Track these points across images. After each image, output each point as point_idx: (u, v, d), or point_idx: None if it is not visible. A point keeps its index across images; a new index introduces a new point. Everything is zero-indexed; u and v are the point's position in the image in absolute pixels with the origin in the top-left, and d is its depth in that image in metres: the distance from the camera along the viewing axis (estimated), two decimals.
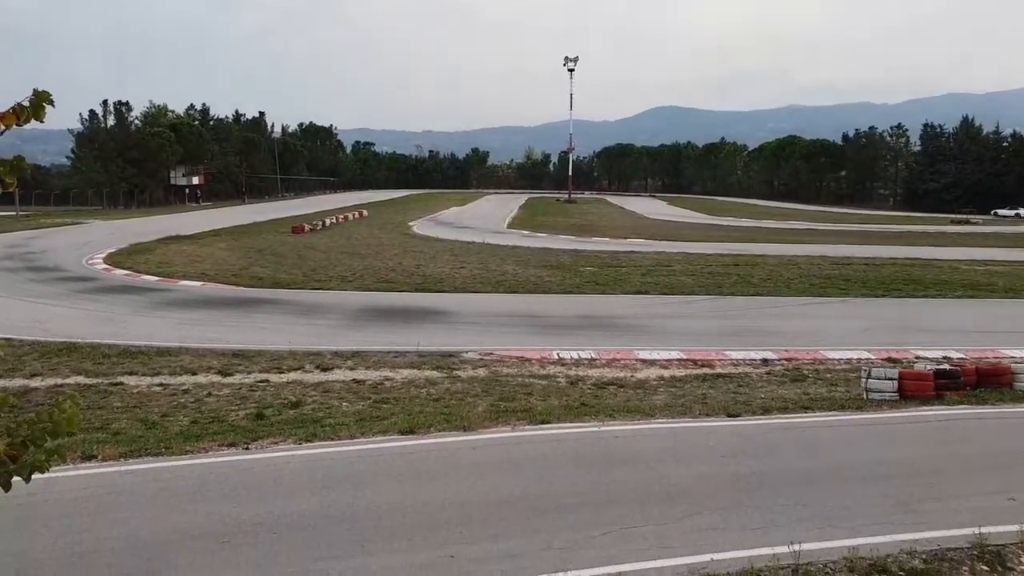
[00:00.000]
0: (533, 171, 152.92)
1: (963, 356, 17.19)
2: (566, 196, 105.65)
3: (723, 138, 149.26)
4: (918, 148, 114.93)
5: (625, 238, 48.03)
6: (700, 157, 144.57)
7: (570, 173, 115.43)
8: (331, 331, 19.36)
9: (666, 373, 15.82)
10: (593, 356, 16.97)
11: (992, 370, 14.63)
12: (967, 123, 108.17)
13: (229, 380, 14.65)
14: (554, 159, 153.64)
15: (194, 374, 15.04)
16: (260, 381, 14.59)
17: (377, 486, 9.43)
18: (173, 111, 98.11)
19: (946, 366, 14.84)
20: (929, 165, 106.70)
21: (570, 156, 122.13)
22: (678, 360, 16.82)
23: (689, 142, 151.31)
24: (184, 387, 14.18)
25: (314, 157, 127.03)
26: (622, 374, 15.66)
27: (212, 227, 49.41)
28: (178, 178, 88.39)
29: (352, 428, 11.53)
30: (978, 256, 39.67)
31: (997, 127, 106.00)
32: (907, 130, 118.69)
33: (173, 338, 17.88)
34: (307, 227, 48.62)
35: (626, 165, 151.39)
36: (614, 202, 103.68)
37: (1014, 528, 8.16)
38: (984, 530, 8.04)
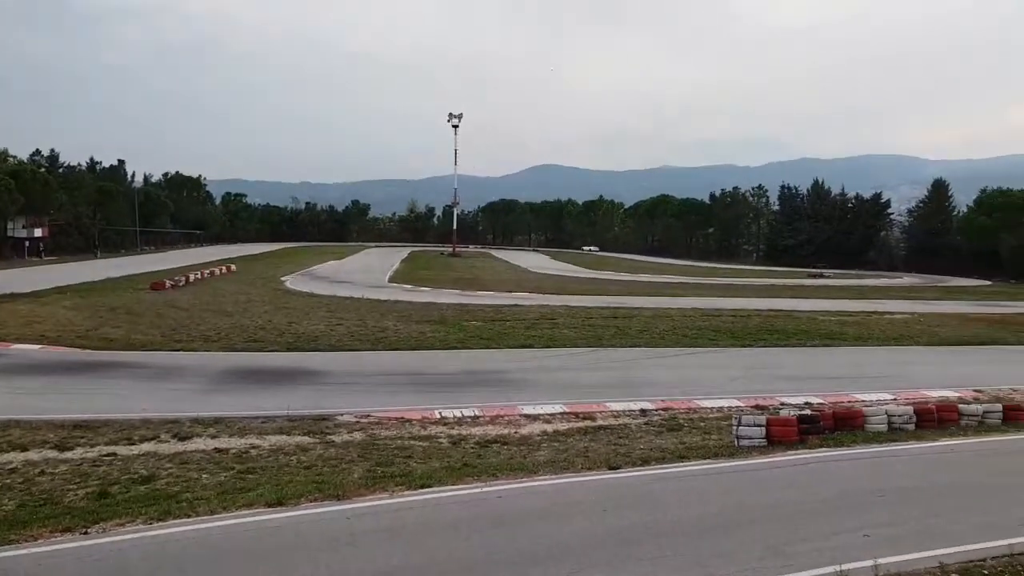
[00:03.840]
0: (417, 225, 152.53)
1: (822, 401, 18.25)
2: (451, 250, 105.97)
3: (601, 196, 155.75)
4: (777, 208, 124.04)
5: (510, 292, 48.29)
6: (580, 213, 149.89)
7: (455, 227, 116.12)
8: (192, 396, 17.99)
9: (549, 428, 15.76)
10: (477, 413, 16.67)
11: (847, 413, 15.73)
12: (817, 185, 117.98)
13: (68, 455, 13.13)
14: (439, 213, 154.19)
15: (24, 450, 13.35)
16: (106, 455, 13.18)
17: (240, 566, 8.69)
18: (15, 157, 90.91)
19: (808, 412, 15.96)
20: (787, 223, 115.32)
21: (455, 210, 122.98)
22: (561, 414, 16.82)
23: (570, 199, 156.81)
24: (11, 466, 12.54)
25: (179, 208, 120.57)
26: (506, 431, 15.45)
27: (56, 283, 44.73)
28: (17, 230, 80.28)
29: (213, 502, 10.64)
30: (831, 307, 42.66)
31: (843, 190, 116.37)
32: (767, 191, 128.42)
33: None
34: (168, 283, 45.34)
35: (510, 220, 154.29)
36: (499, 256, 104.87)
37: (869, 563, 8.62)
38: (845, 567, 8.47)
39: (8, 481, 11.90)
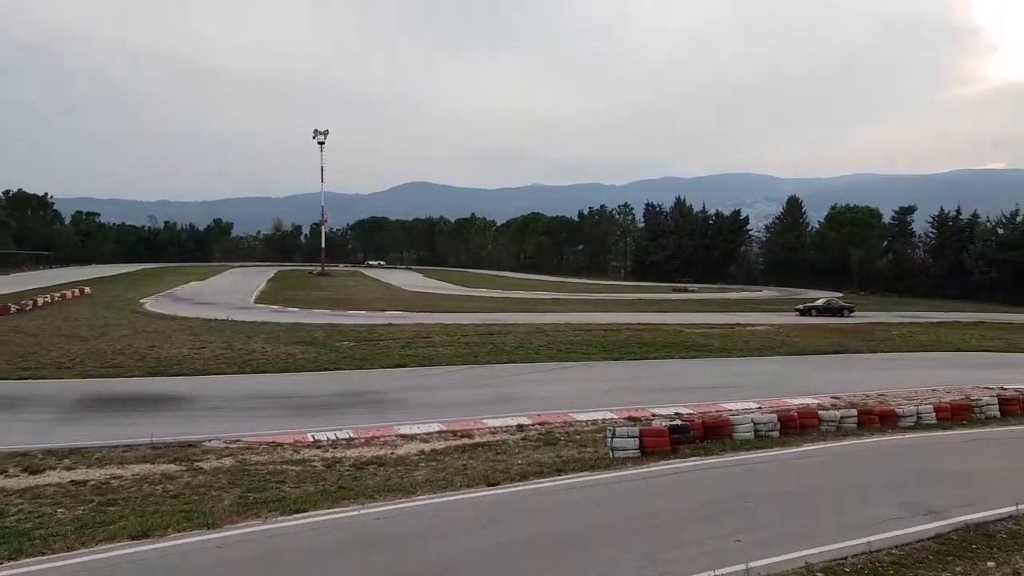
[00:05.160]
0: (283, 243, 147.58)
1: (692, 412, 19.10)
2: (319, 269, 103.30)
3: (473, 214, 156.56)
4: (642, 225, 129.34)
5: (383, 311, 47.59)
6: (453, 231, 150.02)
7: (323, 245, 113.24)
8: (43, 426, 16.63)
9: (427, 447, 15.70)
10: (351, 435, 16.36)
11: (715, 423, 16.50)
12: (680, 203, 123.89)
13: None
14: (305, 231, 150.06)
15: None
16: None
17: None
18: None
19: (678, 422, 16.54)
20: (652, 240, 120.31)
21: (323, 228, 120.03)
22: (438, 432, 16.81)
23: (442, 217, 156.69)
24: None
25: (23, 228, 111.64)
26: (382, 452, 15.25)
27: None
28: None
29: (70, 538, 9.96)
30: (697, 320, 44.91)
31: (703, 207, 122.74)
32: (633, 209, 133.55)
33: None
34: (13, 307, 41.73)
35: (381, 238, 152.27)
36: (370, 275, 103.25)
37: (741, 567, 9.14)
38: (719, 572, 8.94)
39: None
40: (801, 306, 54.45)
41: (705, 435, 15.79)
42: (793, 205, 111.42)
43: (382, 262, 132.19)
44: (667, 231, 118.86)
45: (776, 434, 16.41)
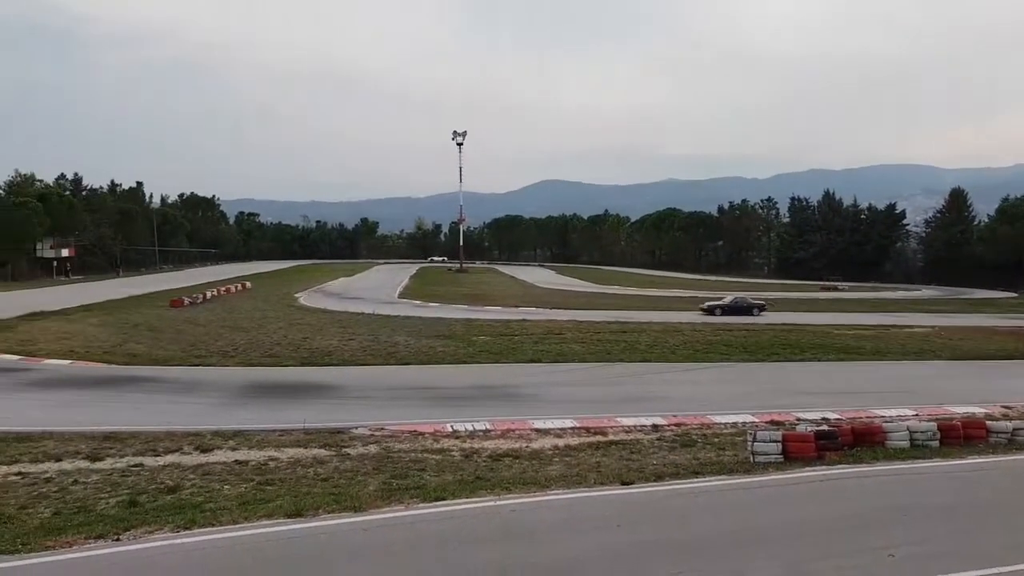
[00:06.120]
0: (424, 241, 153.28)
1: (839, 417, 18.09)
2: (458, 265, 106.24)
3: (606, 210, 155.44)
4: (787, 220, 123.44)
5: (517, 307, 48.42)
6: (586, 228, 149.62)
7: (461, 243, 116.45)
8: (212, 409, 18.26)
9: (560, 442, 15.79)
10: (488, 427, 16.75)
11: (866, 430, 15.44)
12: (829, 196, 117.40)
13: (99, 465, 13.45)
14: (445, 229, 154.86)
15: (58, 460, 13.71)
16: (134, 465, 13.47)
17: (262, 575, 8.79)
18: (42, 180, 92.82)
19: (825, 427, 15.59)
20: (798, 236, 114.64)
21: (461, 227, 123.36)
22: (572, 428, 16.85)
23: (575, 214, 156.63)
24: (46, 475, 12.88)
25: (195, 228, 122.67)
26: (517, 445, 15.50)
27: (82, 302, 45.98)
28: (45, 250, 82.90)
29: (234, 512, 10.80)
30: (846, 321, 42.44)
31: (855, 200, 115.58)
32: (776, 203, 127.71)
33: (35, 422, 16.34)
34: (187, 300, 46.20)
35: (515, 236, 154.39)
36: (505, 271, 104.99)
37: None
38: None
39: (44, 490, 12.18)
40: (705, 305, 48.01)
41: (855, 442, 14.86)
42: (957, 197, 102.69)
43: (445, 258, 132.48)
44: (814, 226, 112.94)
45: (935, 444, 15.09)
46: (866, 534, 10.35)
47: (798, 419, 17.73)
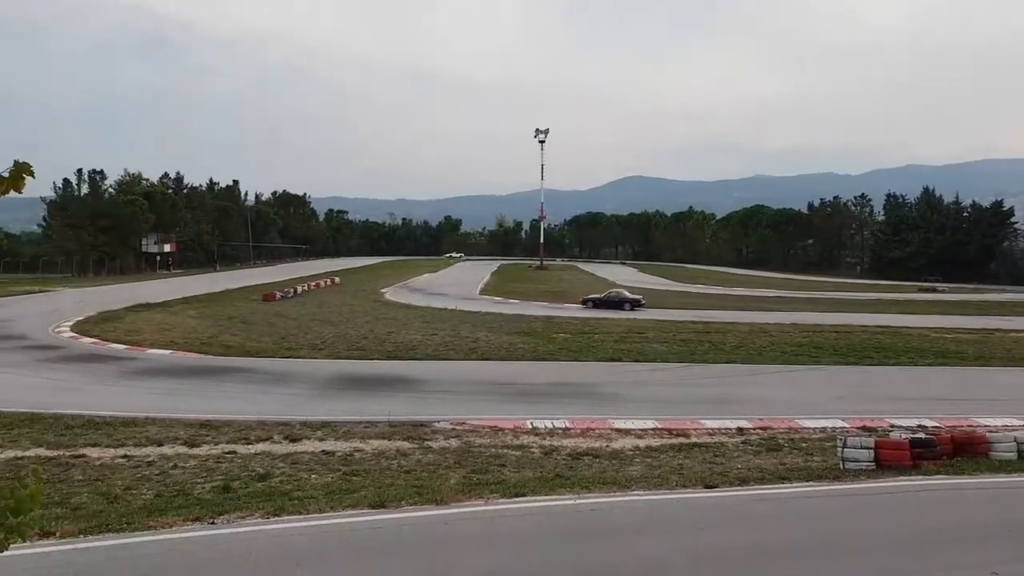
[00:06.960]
0: (505, 238, 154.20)
1: (938, 425, 17.19)
2: (538, 263, 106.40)
3: (691, 207, 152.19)
4: (882, 217, 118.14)
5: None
6: (669, 226, 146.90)
7: (542, 240, 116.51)
8: (301, 400, 18.97)
9: (641, 443, 15.62)
10: (567, 425, 16.73)
11: (968, 439, 14.57)
12: (928, 193, 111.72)
13: (196, 451, 14.22)
14: (526, 227, 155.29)
15: (160, 445, 14.57)
16: (227, 452, 14.17)
17: (346, 563, 9.04)
18: (147, 179, 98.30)
19: (922, 435, 14.75)
20: (893, 234, 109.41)
21: (542, 224, 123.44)
22: (653, 429, 16.64)
23: (658, 211, 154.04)
24: (149, 459, 13.71)
25: (287, 225, 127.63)
26: (597, 444, 15.42)
27: (182, 295, 48.76)
28: (150, 246, 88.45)
29: (321, 501, 11.15)
30: (946, 324, 40.19)
31: (957, 197, 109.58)
32: (870, 200, 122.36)
33: (139, 408, 17.41)
34: (278, 294, 48.15)
35: (597, 233, 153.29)
36: (586, 269, 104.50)
37: None
38: None
39: (146, 472, 12.99)
40: (582, 297, 47.05)
41: (954, 452, 14.03)
42: None
43: (462, 254, 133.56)
44: (912, 224, 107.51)
45: None
46: (966, 549, 9.81)
47: (892, 425, 16.94)
